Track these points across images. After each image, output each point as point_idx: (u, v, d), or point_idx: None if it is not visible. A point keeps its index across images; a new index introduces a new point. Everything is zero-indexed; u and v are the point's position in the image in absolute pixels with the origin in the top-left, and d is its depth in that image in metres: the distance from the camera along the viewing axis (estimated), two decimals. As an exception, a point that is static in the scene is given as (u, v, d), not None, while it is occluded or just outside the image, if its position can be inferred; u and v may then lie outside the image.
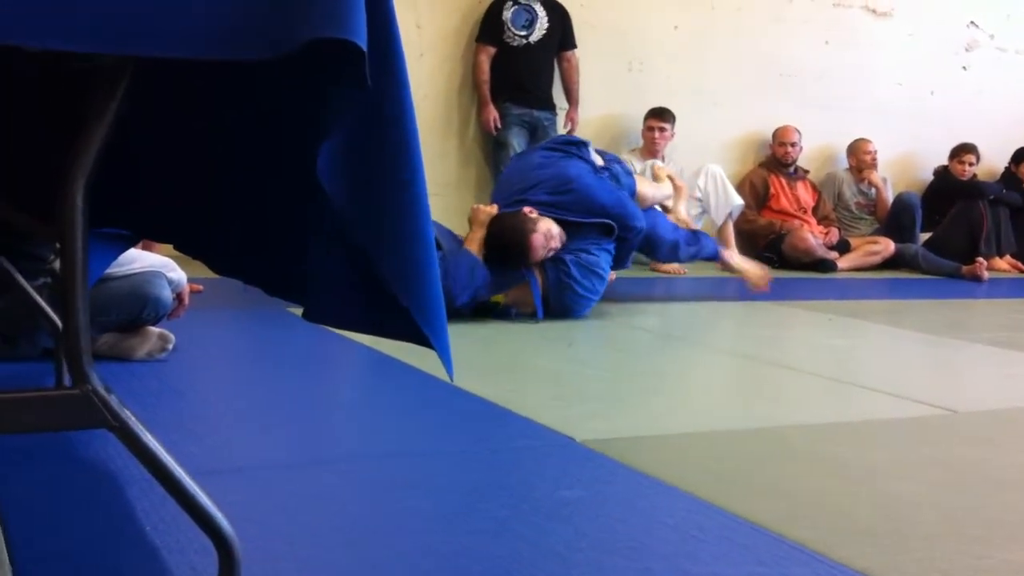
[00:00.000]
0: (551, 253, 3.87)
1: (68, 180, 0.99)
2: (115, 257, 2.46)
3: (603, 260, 4.00)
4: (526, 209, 3.91)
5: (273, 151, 1.28)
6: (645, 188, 4.53)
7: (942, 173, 7.46)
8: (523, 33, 6.10)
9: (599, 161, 4.33)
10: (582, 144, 4.35)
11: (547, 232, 3.86)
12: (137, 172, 1.58)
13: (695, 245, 4.62)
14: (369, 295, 1.18)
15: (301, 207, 1.24)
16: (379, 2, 1.03)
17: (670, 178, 4.98)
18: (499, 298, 3.89)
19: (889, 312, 4.64)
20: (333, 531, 1.63)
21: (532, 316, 3.86)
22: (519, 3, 6.09)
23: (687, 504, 1.83)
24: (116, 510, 1.67)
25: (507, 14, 6.08)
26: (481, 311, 3.89)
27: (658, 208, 4.70)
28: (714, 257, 4.76)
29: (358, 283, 1.19)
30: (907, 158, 7.81)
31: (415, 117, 1.10)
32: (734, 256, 5.01)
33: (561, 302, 3.91)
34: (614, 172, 4.28)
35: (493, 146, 6.21)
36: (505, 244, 3.84)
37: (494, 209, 3.98)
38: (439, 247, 3.77)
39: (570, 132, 6.35)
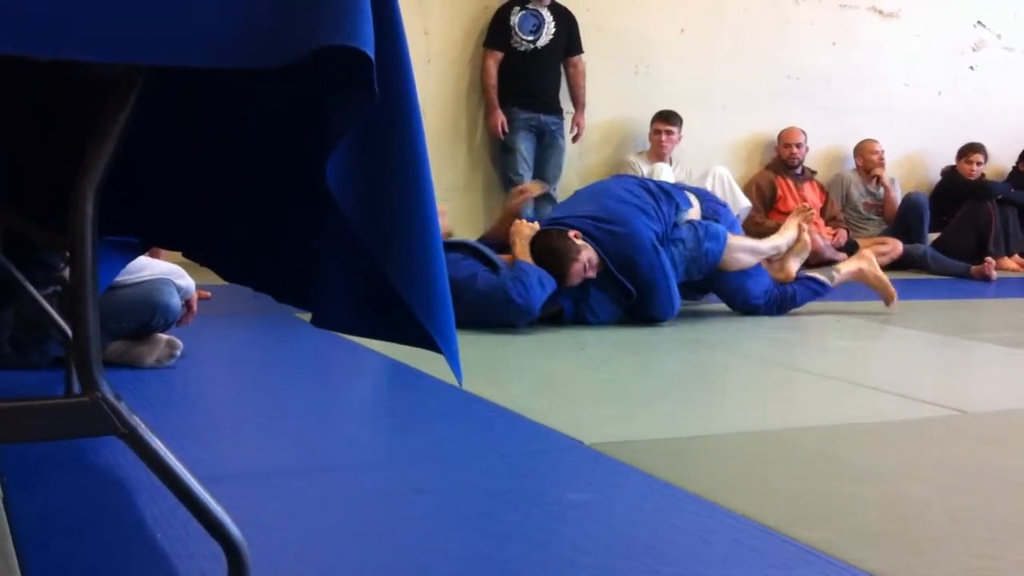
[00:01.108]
0: (585, 280, 3.88)
1: (78, 189, 1.00)
2: (124, 265, 2.47)
3: (606, 313, 3.99)
4: (572, 233, 3.88)
5: (281, 158, 1.29)
6: (739, 252, 4.27)
7: (950, 173, 7.45)
8: (530, 38, 6.10)
9: (694, 212, 4.24)
10: (680, 199, 4.24)
11: (588, 261, 3.84)
12: (145, 180, 1.58)
13: (779, 306, 4.42)
14: (378, 300, 1.18)
15: (309, 213, 1.25)
16: (386, 10, 1.03)
17: (799, 227, 4.61)
18: None
19: (898, 313, 4.63)
20: (343, 536, 1.63)
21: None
22: (527, 8, 6.10)
23: (696, 507, 1.83)
24: (126, 517, 1.68)
25: (515, 19, 6.09)
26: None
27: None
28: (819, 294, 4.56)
29: (367, 289, 1.19)
30: (914, 158, 7.80)
31: (422, 123, 1.10)
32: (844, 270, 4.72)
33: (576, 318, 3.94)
34: (697, 227, 4.15)
35: (500, 150, 6.22)
36: (545, 263, 3.80)
37: (536, 226, 3.96)
38: (491, 265, 3.80)
39: (576, 137, 6.35)
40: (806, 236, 4.55)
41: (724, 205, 4.51)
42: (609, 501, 1.85)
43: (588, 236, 3.92)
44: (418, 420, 2.45)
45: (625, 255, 3.93)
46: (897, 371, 3.35)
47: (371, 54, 0.95)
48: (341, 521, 1.70)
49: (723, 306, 4.50)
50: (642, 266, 3.93)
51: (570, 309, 3.93)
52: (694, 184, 6.25)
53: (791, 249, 4.52)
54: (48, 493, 1.78)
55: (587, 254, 3.84)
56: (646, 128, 6.54)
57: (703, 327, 3.99)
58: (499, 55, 6.12)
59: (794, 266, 4.54)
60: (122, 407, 1.03)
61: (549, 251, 3.83)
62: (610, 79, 6.61)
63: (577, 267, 3.80)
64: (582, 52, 6.33)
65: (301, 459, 2.07)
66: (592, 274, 3.86)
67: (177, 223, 1.65)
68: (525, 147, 6.10)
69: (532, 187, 4.85)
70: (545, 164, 6.22)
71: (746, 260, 4.31)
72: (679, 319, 4.16)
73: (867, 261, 4.66)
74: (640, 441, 2.26)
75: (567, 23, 6.24)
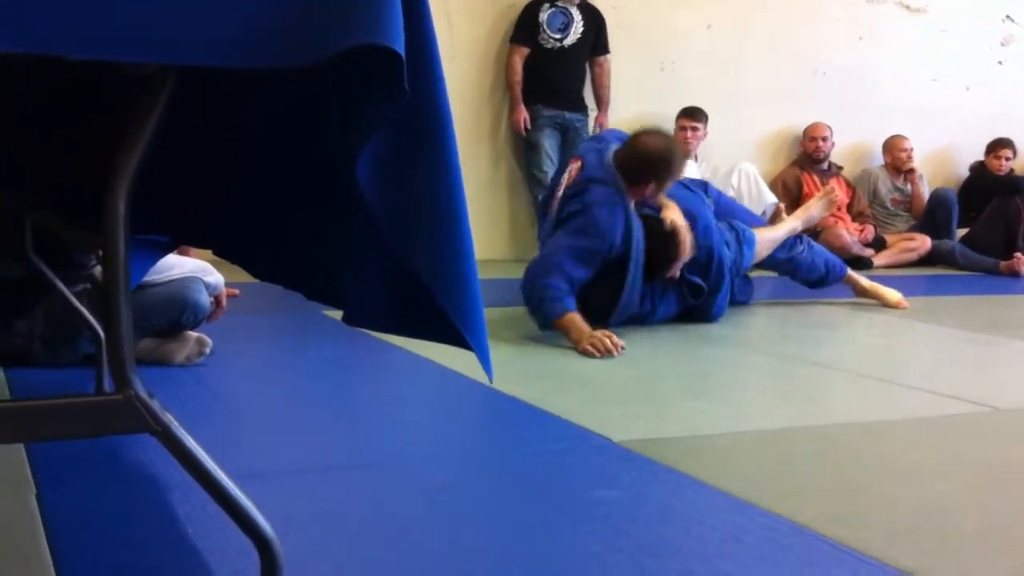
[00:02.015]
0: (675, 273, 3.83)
1: (110, 188, 1.00)
2: (154, 263, 2.48)
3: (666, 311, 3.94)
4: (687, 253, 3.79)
5: (311, 156, 1.29)
6: (763, 249, 4.30)
7: (978, 169, 7.38)
8: (558, 36, 6.09)
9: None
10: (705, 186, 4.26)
11: (679, 267, 3.79)
12: (175, 178, 1.59)
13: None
14: (408, 298, 1.18)
15: (340, 211, 1.25)
16: (415, 7, 1.03)
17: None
18: None
19: (927, 309, 4.59)
20: (372, 533, 1.64)
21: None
22: (556, 6, 6.09)
23: (727, 504, 1.82)
24: (158, 514, 1.68)
25: (543, 16, 6.08)
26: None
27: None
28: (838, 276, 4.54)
29: (397, 286, 1.19)
30: (943, 154, 7.73)
31: (452, 120, 1.10)
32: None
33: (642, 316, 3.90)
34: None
35: (525, 148, 6.21)
36: (656, 245, 3.69)
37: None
38: None
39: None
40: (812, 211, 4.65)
41: (742, 208, 4.47)
42: (639, 499, 1.84)
43: None
44: (446, 418, 2.45)
45: (699, 255, 3.87)
46: (928, 368, 3.33)
47: (401, 51, 0.94)
48: (370, 518, 1.71)
49: (751, 304, 4.48)
50: (713, 264, 3.90)
51: (648, 306, 3.83)
52: (720, 180, 6.25)
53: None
54: (81, 491, 1.79)
55: (682, 262, 3.78)
56: (671, 125, 6.51)
57: (730, 325, 3.97)
58: (525, 51, 6.11)
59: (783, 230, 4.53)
60: (155, 404, 1.03)
61: (666, 235, 3.69)
62: (635, 76, 6.59)
63: (680, 262, 3.74)
64: (608, 52, 6.31)
65: (331, 456, 2.07)
66: (676, 275, 3.82)
67: (207, 221, 1.65)
68: (549, 144, 6.09)
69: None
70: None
71: (767, 253, 4.33)
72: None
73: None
74: (670, 439, 2.26)
75: (595, 22, 6.22)
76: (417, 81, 1.03)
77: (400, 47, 0.94)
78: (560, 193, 3.82)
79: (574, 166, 3.83)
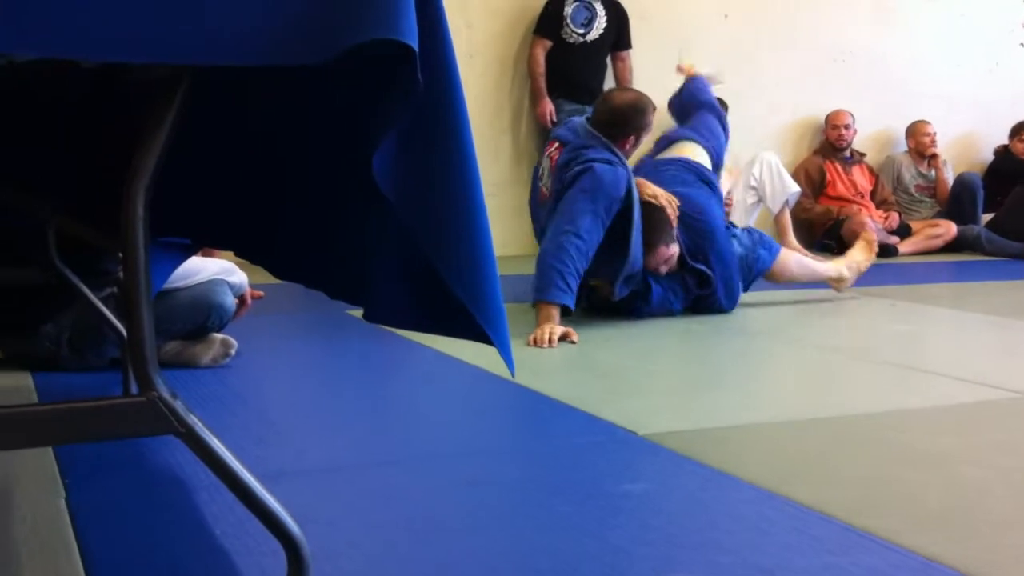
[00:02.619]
0: (660, 273, 3.81)
1: (128, 190, 1.01)
2: (177, 265, 2.50)
3: (676, 306, 3.90)
4: (675, 222, 3.80)
5: (329, 154, 1.29)
6: (793, 266, 4.20)
7: (1003, 153, 7.32)
8: (581, 31, 6.08)
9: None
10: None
11: (669, 258, 3.77)
12: (194, 181, 1.60)
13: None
14: (428, 294, 1.18)
15: (359, 209, 1.25)
16: (428, 3, 1.03)
17: None
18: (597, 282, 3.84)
19: (953, 296, 4.56)
20: (400, 530, 1.64)
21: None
22: (581, 0, 6.08)
23: (753, 495, 1.81)
24: (185, 515, 1.69)
25: (568, 10, 6.06)
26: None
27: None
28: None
29: (417, 283, 1.19)
30: (966, 139, 7.67)
31: (468, 115, 1.10)
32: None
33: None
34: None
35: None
36: (647, 227, 3.70)
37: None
38: None
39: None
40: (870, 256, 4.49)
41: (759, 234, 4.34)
42: (665, 491, 1.84)
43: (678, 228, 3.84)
44: (470, 413, 2.45)
45: (702, 246, 3.87)
46: (954, 354, 3.30)
47: (415, 46, 0.95)
48: (397, 515, 1.71)
49: (773, 293, 4.46)
50: (717, 254, 3.89)
51: (660, 293, 3.82)
52: (742, 170, 6.22)
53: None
54: (109, 493, 1.80)
55: (674, 250, 3.77)
56: (691, 116, 6.49)
57: (748, 316, 3.96)
58: (548, 44, 6.09)
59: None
60: (179, 406, 1.03)
61: (647, 226, 3.69)
62: (655, 66, 6.56)
63: (661, 253, 3.72)
64: (630, 47, 6.30)
65: (356, 455, 2.08)
66: (664, 271, 3.80)
67: (228, 222, 1.66)
68: (570, 139, 6.08)
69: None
70: None
71: (798, 274, 4.24)
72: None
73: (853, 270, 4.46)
74: (694, 431, 2.25)
75: (618, 18, 6.21)
76: (431, 77, 1.03)
77: (414, 42, 0.94)
78: (546, 178, 3.83)
79: (552, 148, 3.86)
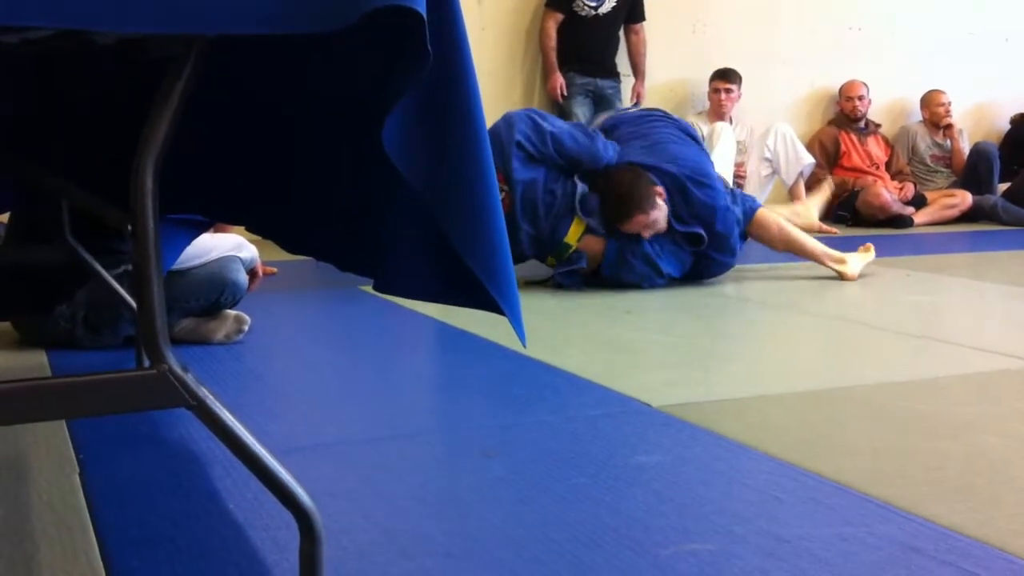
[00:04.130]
0: (644, 238, 3.82)
1: (138, 163, 1.00)
2: (190, 241, 2.50)
3: (668, 265, 3.91)
4: (658, 189, 3.79)
5: (339, 125, 1.28)
6: (771, 220, 4.19)
7: (1019, 121, 7.26)
8: (593, 3, 6.04)
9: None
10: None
11: (653, 222, 3.77)
12: (205, 154, 1.59)
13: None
14: (439, 264, 1.17)
15: (368, 179, 1.24)
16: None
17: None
18: (573, 241, 3.84)
19: (970, 265, 4.53)
20: (415, 502, 1.64)
21: (585, 281, 3.86)
22: None
23: (769, 466, 1.81)
24: (200, 490, 1.69)
25: None
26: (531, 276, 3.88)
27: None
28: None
29: (427, 252, 1.18)
30: (982, 108, 7.61)
31: (477, 83, 1.09)
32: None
33: (617, 274, 3.87)
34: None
35: (558, 116, 6.17)
36: (613, 199, 3.76)
37: None
38: None
39: (635, 105, 6.28)
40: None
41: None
42: (679, 462, 1.83)
43: (670, 195, 3.85)
44: (484, 386, 2.44)
45: (702, 209, 3.87)
46: (972, 324, 3.28)
47: (423, 12, 0.93)
48: (412, 488, 1.71)
49: (788, 264, 4.44)
50: (720, 214, 3.89)
51: (612, 256, 3.85)
52: (756, 142, 6.18)
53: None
54: (124, 468, 1.80)
55: (658, 214, 3.77)
56: (705, 88, 6.46)
57: (761, 287, 3.94)
58: (559, 16, 6.05)
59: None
60: (189, 379, 1.03)
61: (627, 191, 3.73)
62: (668, 39, 6.53)
63: (641, 219, 3.74)
64: (644, 19, 6.25)
65: (370, 428, 2.08)
66: (648, 235, 3.81)
67: (239, 197, 1.65)
68: (583, 112, 6.05)
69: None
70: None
71: (782, 235, 4.18)
72: (742, 280, 4.12)
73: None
74: (709, 402, 2.24)
75: None
76: (441, 44, 1.02)
77: (422, 8, 0.93)
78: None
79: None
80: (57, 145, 1.97)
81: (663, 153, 3.93)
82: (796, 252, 4.24)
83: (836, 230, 5.78)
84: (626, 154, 3.93)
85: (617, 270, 3.85)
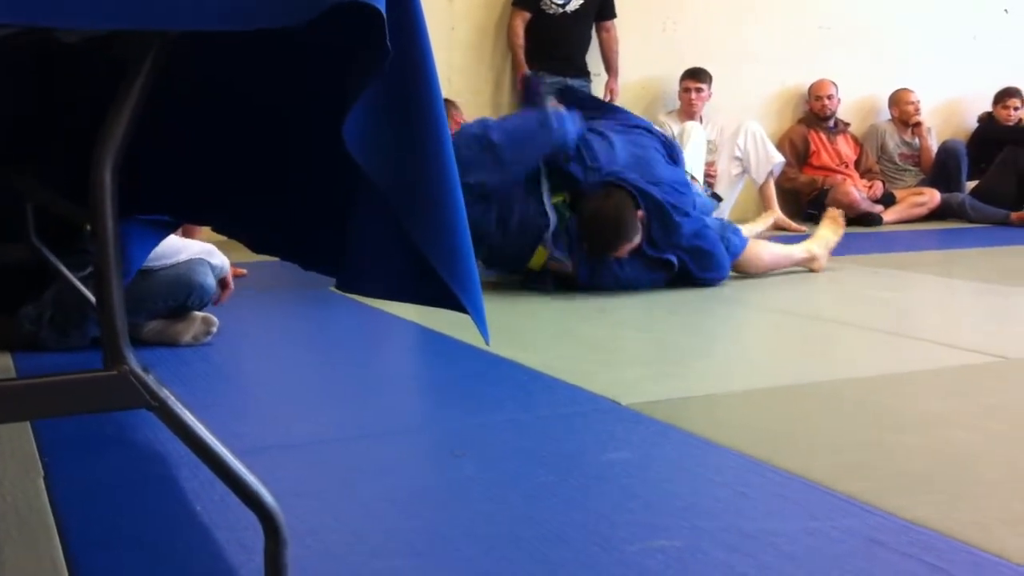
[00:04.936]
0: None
1: (96, 159, 0.99)
2: (157, 243, 2.47)
3: (639, 286, 3.86)
4: (640, 213, 3.73)
5: (299, 120, 1.28)
6: (765, 255, 4.17)
7: (987, 119, 7.32)
8: (560, 2, 6.04)
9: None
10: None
11: (633, 248, 3.74)
12: (170, 153, 1.58)
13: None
14: (402, 262, 1.17)
15: (331, 176, 1.24)
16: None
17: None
18: (536, 266, 3.83)
19: (937, 263, 4.56)
20: (383, 502, 1.63)
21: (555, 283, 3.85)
22: None
23: (736, 462, 1.81)
24: (166, 491, 1.69)
25: None
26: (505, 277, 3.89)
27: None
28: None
29: (390, 250, 1.18)
30: (950, 106, 7.67)
31: (438, 78, 1.08)
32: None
33: (595, 281, 3.84)
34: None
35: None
36: (601, 228, 3.70)
37: None
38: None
39: (609, 103, 6.29)
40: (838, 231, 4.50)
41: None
42: (648, 460, 1.84)
43: (649, 219, 3.80)
44: (452, 386, 2.44)
45: (677, 238, 3.82)
46: (938, 320, 3.31)
47: (382, 9, 0.93)
48: (380, 487, 1.70)
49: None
50: (697, 240, 3.86)
51: (585, 275, 3.80)
52: (727, 141, 6.20)
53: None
54: (88, 470, 1.79)
55: (638, 241, 3.74)
56: (675, 87, 6.47)
57: (733, 285, 3.96)
58: (527, 15, 6.05)
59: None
60: (150, 379, 1.02)
61: (612, 220, 3.68)
62: (637, 37, 6.54)
63: (626, 247, 3.71)
64: (615, 16, 6.26)
65: (338, 428, 2.07)
66: (625, 256, 3.78)
67: (203, 196, 1.64)
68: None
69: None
70: None
71: (770, 260, 4.19)
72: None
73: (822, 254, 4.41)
74: (678, 399, 2.25)
75: None
76: (399, 39, 1.02)
77: (381, 4, 0.93)
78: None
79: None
80: (21, 139, 1.96)
81: (649, 173, 3.86)
82: (787, 265, 4.29)
83: (805, 228, 5.81)
84: (613, 159, 3.86)
85: (590, 281, 3.82)
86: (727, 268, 3.97)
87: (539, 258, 3.81)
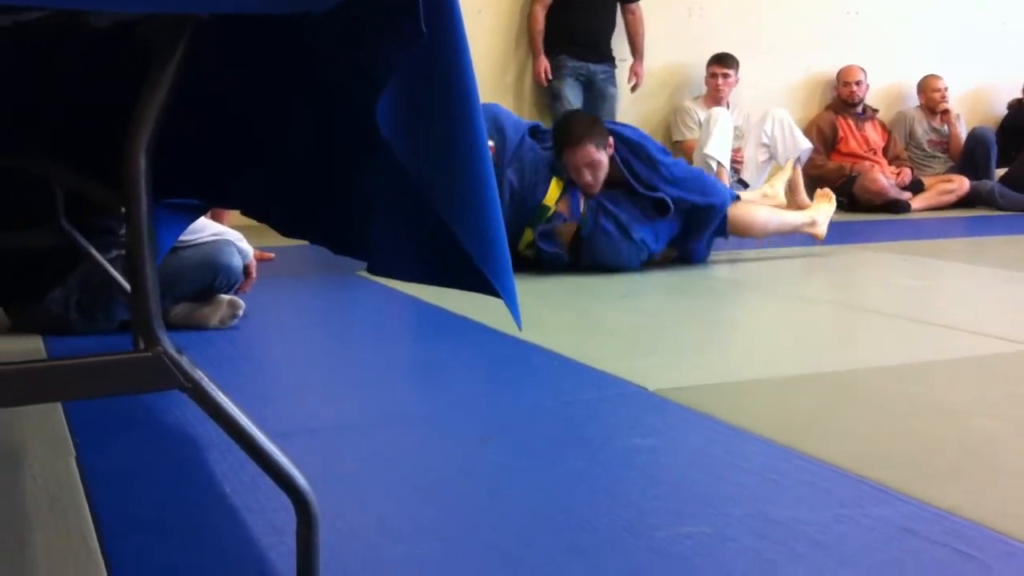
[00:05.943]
0: (582, 181, 3.83)
1: (129, 143, 1.00)
2: (186, 227, 2.49)
3: (642, 233, 3.88)
4: (611, 140, 3.87)
5: (332, 105, 1.28)
6: (752, 209, 4.20)
7: (1016, 106, 7.25)
8: None
9: None
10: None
11: (598, 163, 3.81)
12: (199, 137, 1.58)
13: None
14: (433, 246, 1.17)
15: (363, 160, 1.23)
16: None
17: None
18: (551, 203, 3.87)
19: (965, 250, 4.53)
20: (411, 487, 1.64)
21: (561, 262, 3.89)
22: None
23: (764, 449, 1.81)
24: (196, 474, 1.70)
25: None
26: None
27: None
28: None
29: (422, 234, 1.18)
30: (979, 93, 7.60)
31: (472, 66, 1.08)
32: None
33: (594, 245, 3.87)
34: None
35: (549, 98, 6.15)
36: (568, 124, 3.90)
37: None
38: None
39: (634, 87, 6.26)
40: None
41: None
42: (675, 446, 1.83)
43: (629, 156, 3.91)
44: (480, 371, 2.44)
45: (662, 169, 3.93)
46: (967, 308, 3.28)
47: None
48: (408, 472, 1.71)
49: (785, 249, 4.44)
50: (677, 168, 3.99)
51: (591, 217, 3.88)
52: (754, 128, 6.16)
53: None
54: (120, 452, 1.80)
55: (602, 158, 3.81)
56: (702, 72, 6.44)
57: (757, 273, 3.94)
58: (547, 1, 6.03)
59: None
60: (184, 361, 1.03)
61: (575, 124, 3.87)
62: (663, 23, 6.50)
63: (590, 149, 3.79)
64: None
65: (366, 413, 2.08)
66: (589, 179, 3.82)
67: (233, 180, 1.65)
68: (572, 94, 6.02)
69: None
70: (595, 114, 6.14)
71: (766, 219, 4.21)
72: (737, 265, 4.12)
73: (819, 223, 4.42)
74: (704, 386, 2.24)
75: None
76: (434, 22, 1.01)
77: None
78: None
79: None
80: (51, 124, 1.96)
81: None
82: (779, 234, 4.32)
83: (810, 203, 5.78)
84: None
85: (594, 241, 3.85)
86: (725, 193, 4.02)
87: (553, 193, 3.89)
